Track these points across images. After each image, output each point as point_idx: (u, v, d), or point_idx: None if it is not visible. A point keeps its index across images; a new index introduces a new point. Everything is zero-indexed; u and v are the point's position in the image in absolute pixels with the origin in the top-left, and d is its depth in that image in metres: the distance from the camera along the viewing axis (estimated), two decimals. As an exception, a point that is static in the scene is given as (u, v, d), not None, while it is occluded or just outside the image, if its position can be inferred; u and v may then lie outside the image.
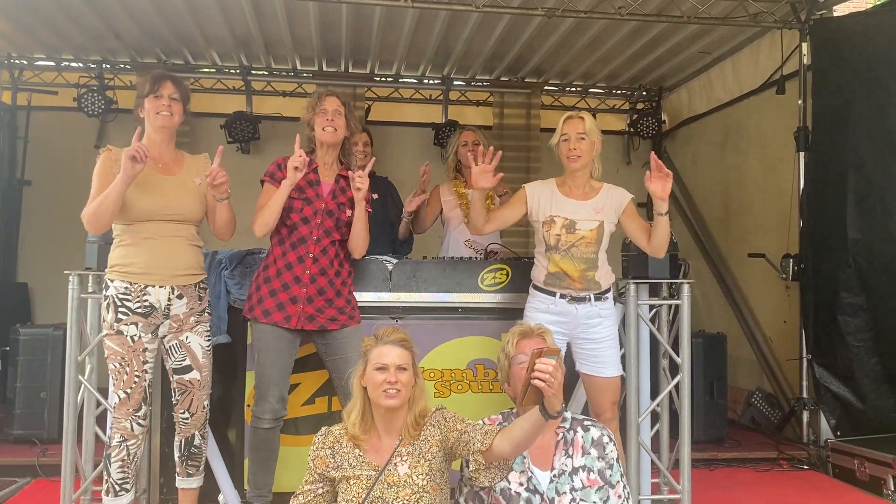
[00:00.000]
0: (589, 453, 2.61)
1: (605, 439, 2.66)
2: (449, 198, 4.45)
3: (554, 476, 2.56)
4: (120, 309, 3.08)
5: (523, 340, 2.72)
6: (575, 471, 2.58)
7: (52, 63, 6.74)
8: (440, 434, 2.53)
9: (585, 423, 2.72)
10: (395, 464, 2.49)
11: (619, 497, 2.65)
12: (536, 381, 2.20)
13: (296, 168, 3.21)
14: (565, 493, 2.57)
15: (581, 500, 2.57)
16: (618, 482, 2.66)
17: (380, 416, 2.53)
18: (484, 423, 2.72)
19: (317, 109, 3.36)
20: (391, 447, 2.52)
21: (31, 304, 6.62)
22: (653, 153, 3.27)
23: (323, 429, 2.63)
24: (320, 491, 2.52)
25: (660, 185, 3.15)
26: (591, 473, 2.59)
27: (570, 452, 2.64)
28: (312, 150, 3.44)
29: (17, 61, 6.67)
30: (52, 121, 6.81)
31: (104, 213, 3.00)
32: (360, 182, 3.25)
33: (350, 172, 3.30)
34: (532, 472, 2.63)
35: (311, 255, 3.32)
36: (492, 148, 3.36)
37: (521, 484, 2.56)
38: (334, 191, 3.40)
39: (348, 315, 3.40)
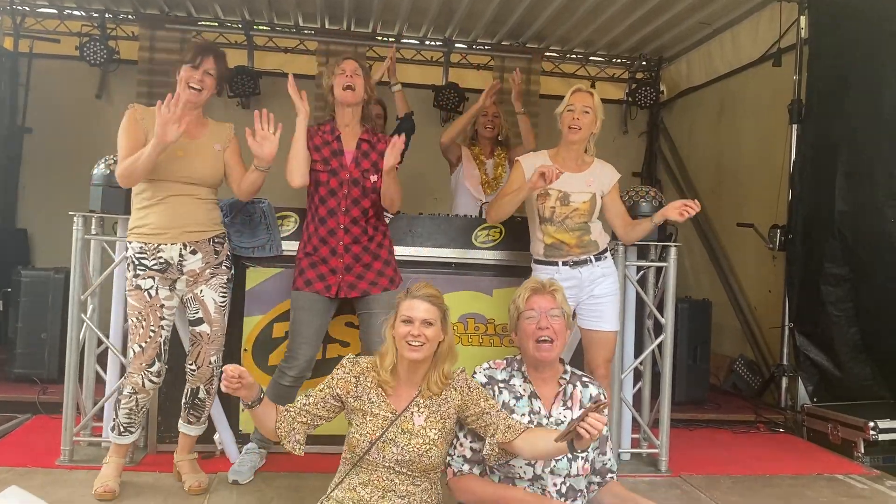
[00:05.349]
0: None
1: (602, 398, 2.75)
2: (467, 154, 4.87)
3: (551, 424, 2.67)
4: (138, 267, 3.22)
5: (534, 296, 2.76)
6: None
7: (55, 11, 6.71)
8: (461, 399, 2.61)
9: (584, 379, 2.82)
10: (412, 413, 2.57)
11: (612, 449, 2.82)
12: (582, 432, 2.29)
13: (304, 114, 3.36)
14: None
15: None
16: (608, 434, 2.80)
17: (403, 366, 2.59)
18: (490, 366, 2.79)
19: (336, 71, 3.44)
20: (410, 396, 2.60)
21: (30, 249, 6.69)
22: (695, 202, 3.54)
23: (351, 355, 2.70)
24: (329, 404, 2.59)
25: (681, 216, 3.47)
26: None
27: (569, 405, 2.73)
28: (333, 118, 3.52)
29: (19, 7, 6.63)
30: (54, 69, 6.79)
31: (134, 173, 3.12)
32: (392, 159, 3.27)
33: (393, 138, 3.32)
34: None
35: (342, 227, 3.42)
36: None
37: None
38: (357, 157, 3.47)
39: (388, 278, 3.51)
